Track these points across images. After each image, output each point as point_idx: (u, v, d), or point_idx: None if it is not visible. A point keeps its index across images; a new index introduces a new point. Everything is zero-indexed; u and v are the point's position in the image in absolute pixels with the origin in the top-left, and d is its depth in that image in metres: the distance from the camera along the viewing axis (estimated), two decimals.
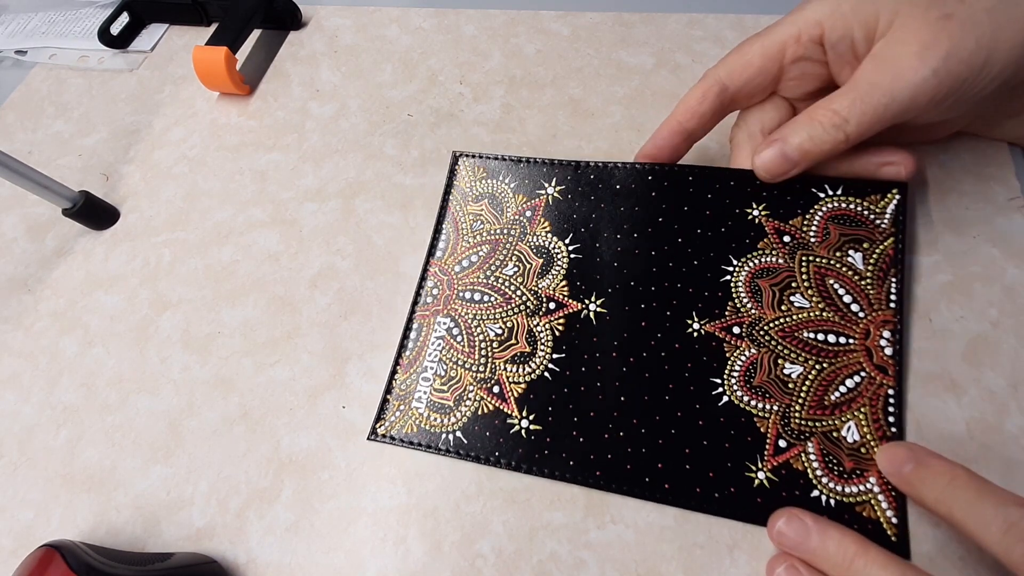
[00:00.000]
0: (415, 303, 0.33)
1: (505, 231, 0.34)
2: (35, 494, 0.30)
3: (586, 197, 0.33)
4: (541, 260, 0.32)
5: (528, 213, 0.34)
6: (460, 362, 0.31)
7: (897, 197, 0.29)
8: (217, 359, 0.33)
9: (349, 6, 0.48)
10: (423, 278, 0.33)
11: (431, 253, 0.34)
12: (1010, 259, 0.30)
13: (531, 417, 0.29)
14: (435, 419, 0.29)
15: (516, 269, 0.32)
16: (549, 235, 0.33)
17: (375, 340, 0.32)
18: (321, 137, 0.41)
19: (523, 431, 0.29)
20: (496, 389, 0.30)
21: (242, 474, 0.30)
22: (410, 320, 0.32)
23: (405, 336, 0.32)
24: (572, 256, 0.32)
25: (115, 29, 0.48)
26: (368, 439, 0.30)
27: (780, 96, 0.30)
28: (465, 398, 0.30)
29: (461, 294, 0.32)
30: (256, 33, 0.48)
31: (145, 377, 0.33)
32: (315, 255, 0.36)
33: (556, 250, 0.32)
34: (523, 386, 0.30)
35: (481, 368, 0.30)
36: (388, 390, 0.30)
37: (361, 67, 0.44)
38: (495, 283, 0.32)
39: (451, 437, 0.29)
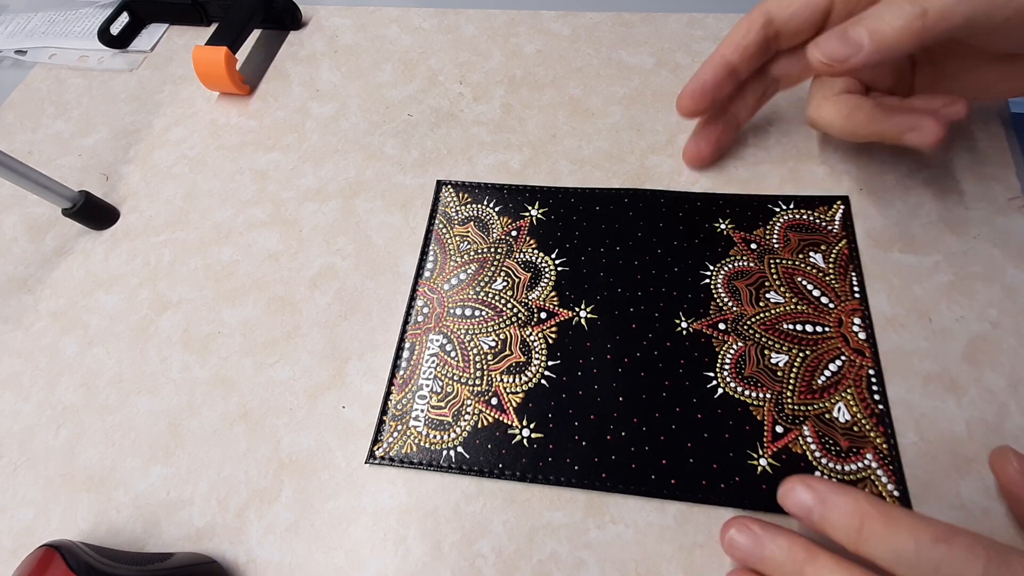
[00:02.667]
0: (405, 323, 0.32)
1: (492, 250, 0.34)
2: (35, 494, 0.30)
3: (568, 218, 0.35)
4: (529, 274, 0.33)
5: (514, 233, 0.35)
6: (456, 377, 0.31)
7: (842, 207, 0.33)
8: (217, 359, 0.33)
9: (349, 6, 0.48)
10: (412, 299, 0.33)
11: (419, 275, 0.34)
12: (1010, 259, 0.30)
13: (531, 426, 0.29)
14: (435, 436, 0.29)
15: (505, 283, 0.33)
16: (535, 251, 0.34)
17: (375, 340, 0.32)
18: (321, 137, 0.41)
19: (525, 440, 0.29)
20: (494, 401, 0.30)
21: (242, 474, 0.30)
22: (401, 340, 0.32)
23: (398, 356, 0.32)
24: (559, 269, 0.33)
25: (115, 29, 0.48)
26: (367, 463, 0.29)
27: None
28: (464, 412, 0.30)
29: (452, 311, 0.32)
30: (256, 33, 0.48)
31: (145, 377, 0.33)
32: (315, 255, 0.36)
33: (543, 264, 0.33)
34: (521, 395, 0.30)
35: (477, 381, 0.30)
36: (383, 411, 0.30)
37: (361, 67, 0.44)
38: (485, 298, 0.33)
39: (452, 453, 0.29)
